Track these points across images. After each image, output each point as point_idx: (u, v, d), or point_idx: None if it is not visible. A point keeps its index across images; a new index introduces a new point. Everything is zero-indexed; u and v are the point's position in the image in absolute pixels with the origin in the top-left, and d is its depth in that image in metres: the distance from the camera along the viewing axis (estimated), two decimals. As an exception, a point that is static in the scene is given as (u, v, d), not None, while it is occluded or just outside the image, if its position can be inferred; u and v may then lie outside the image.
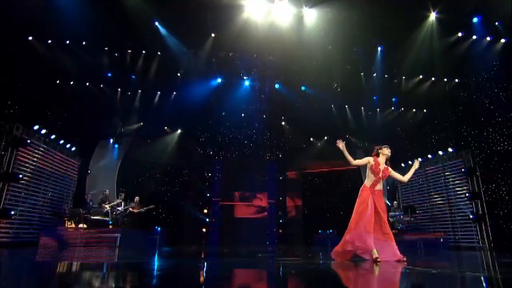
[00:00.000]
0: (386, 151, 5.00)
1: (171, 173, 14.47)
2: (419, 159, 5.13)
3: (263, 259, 6.18)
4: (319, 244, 12.66)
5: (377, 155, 5.06)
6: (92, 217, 10.17)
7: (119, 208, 11.11)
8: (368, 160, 4.97)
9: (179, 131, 14.40)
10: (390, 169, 5.04)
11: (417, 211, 12.41)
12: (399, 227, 11.31)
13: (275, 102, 13.83)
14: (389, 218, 11.46)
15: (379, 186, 4.89)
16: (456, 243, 11.28)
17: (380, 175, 4.87)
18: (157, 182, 13.91)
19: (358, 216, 4.66)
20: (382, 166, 4.94)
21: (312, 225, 14.59)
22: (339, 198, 14.08)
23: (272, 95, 13.55)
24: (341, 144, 4.77)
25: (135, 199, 11.31)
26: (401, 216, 11.87)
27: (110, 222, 10.36)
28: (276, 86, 13.15)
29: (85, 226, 9.88)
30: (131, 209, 11.18)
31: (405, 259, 4.59)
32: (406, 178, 5.12)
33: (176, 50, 11.27)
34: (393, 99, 13.43)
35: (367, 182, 4.94)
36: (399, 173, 5.31)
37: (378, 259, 4.43)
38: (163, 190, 14.11)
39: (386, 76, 12.47)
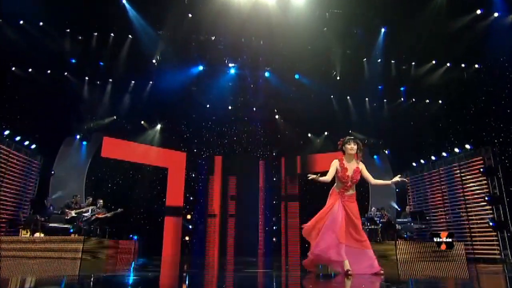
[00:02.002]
0: (348, 149, 4.58)
1: (151, 174, 13.88)
2: (401, 178, 4.62)
3: (227, 272, 5.89)
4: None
5: (344, 153, 4.69)
6: (51, 225, 9.62)
7: (86, 215, 10.54)
8: (336, 165, 4.60)
9: (158, 126, 13.92)
10: (361, 166, 4.63)
11: (427, 217, 11.86)
12: (405, 236, 10.68)
13: (267, 93, 13.34)
14: (396, 225, 11.02)
15: (351, 191, 4.59)
16: (475, 255, 10.75)
17: (349, 183, 4.54)
18: (133, 184, 13.37)
19: (327, 224, 4.42)
20: (351, 170, 4.56)
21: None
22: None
23: (263, 85, 13.09)
24: (312, 177, 4.47)
25: (98, 203, 10.73)
26: (411, 223, 11.23)
27: (71, 231, 9.77)
28: (266, 74, 12.67)
29: (42, 235, 9.33)
30: (97, 215, 10.59)
31: (382, 272, 4.34)
32: (373, 181, 4.66)
33: (149, 33, 10.78)
34: (401, 88, 12.92)
35: (336, 187, 4.65)
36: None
37: (349, 272, 4.18)
38: (141, 193, 13.51)
39: (392, 62, 11.97)
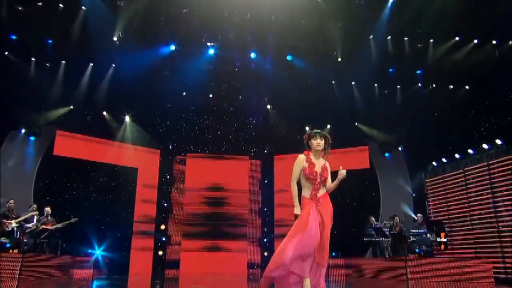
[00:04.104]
0: (314, 145, 4.47)
1: (118, 176, 13.46)
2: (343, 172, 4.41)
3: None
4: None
5: (309, 148, 4.59)
6: (-19, 238, 9.04)
7: (29, 225, 9.97)
8: (302, 162, 4.50)
9: (126, 118, 13.54)
10: (328, 165, 4.53)
11: (447, 228, 11.48)
12: (418, 251, 10.28)
13: (255, 78, 13.25)
14: (410, 237, 10.73)
15: (322, 191, 4.46)
16: (507, 274, 10.26)
17: (318, 180, 4.41)
18: (96, 189, 12.87)
19: (298, 235, 4.21)
20: (319, 166, 4.47)
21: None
22: (348, 206, 13.33)
23: (250, 68, 12.92)
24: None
25: (45, 211, 10.24)
26: (427, 235, 10.76)
27: (8, 245, 9.29)
28: (252, 55, 12.40)
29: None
30: (44, 225, 10.01)
31: None
32: (329, 185, 4.55)
33: (107, 3, 10.37)
34: (418, 72, 12.67)
35: (306, 192, 4.46)
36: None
37: None
38: (105, 199, 13.03)
39: (405, 39, 11.67)
